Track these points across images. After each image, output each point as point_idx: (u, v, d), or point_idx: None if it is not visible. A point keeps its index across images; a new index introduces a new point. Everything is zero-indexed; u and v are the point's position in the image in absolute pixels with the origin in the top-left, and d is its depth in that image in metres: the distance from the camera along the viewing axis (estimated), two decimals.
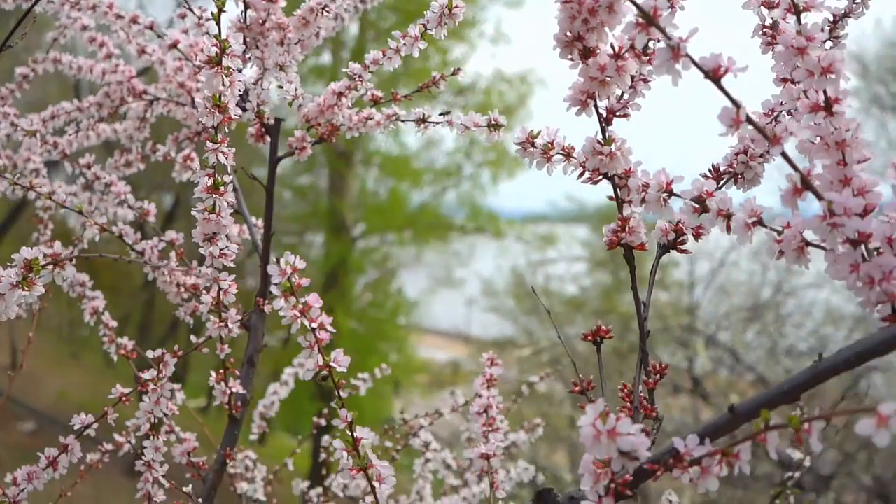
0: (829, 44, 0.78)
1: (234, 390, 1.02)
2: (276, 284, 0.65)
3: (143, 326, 10.10)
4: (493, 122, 0.89)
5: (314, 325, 0.66)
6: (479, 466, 1.00)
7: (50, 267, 0.71)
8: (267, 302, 1.02)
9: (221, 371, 1.01)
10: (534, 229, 11.37)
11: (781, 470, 5.12)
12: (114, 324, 1.15)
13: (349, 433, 0.69)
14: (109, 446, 1.19)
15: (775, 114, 0.74)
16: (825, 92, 0.57)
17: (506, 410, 1.73)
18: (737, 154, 0.73)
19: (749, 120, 0.54)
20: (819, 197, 0.54)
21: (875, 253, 0.56)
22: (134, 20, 1.12)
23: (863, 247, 0.56)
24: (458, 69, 1.06)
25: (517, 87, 10.66)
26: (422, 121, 0.99)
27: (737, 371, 6.74)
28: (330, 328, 0.67)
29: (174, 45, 1.07)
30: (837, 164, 0.57)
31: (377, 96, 1.04)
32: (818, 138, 0.58)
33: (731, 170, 0.73)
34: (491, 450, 0.98)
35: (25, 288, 0.71)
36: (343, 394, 0.70)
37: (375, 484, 0.69)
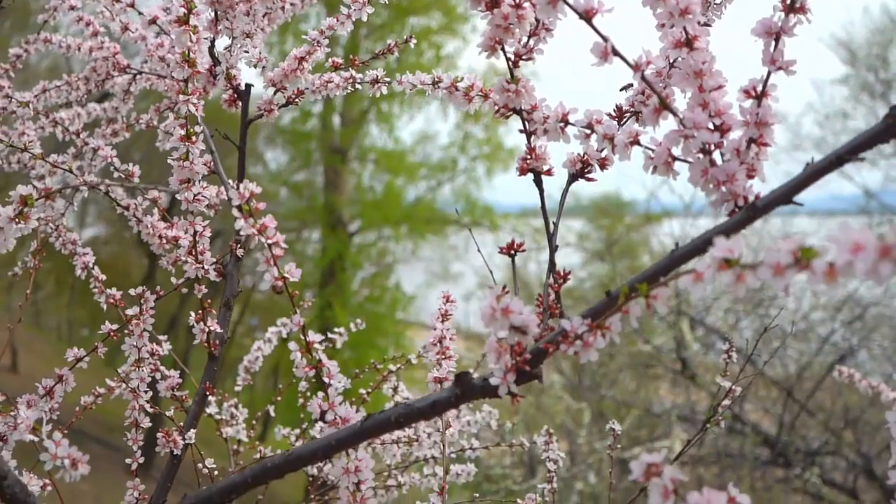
0: None
1: (212, 329, 1.13)
2: (235, 207, 0.76)
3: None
4: (436, 79, 1.00)
5: (270, 241, 0.78)
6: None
7: (42, 200, 0.82)
8: (240, 247, 1.13)
9: (200, 311, 1.12)
10: (529, 222, 11.47)
11: (769, 449, 5.22)
12: (103, 277, 1.26)
13: (302, 337, 0.80)
14: (102, 389, 1.31)
15: (670, 59, 0.85)
16: (685, 30, 0.68)
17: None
18: (637, 95, 0.84)
19: (615, 52, 0.65)
20: (674, 114, 0.66)
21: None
22: None
23: (718, 156, 0.67)
24: (411, 37, 1.17)
25: None
26: (375, 81, 1.10)
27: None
28: (283, 244, 0.78)
29: (153, 21, 1.18)
30: (698, 90, 0.68)
31: (337, 62, 1.16)
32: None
33: (632, 109, 0.84)
34: (443, 374, 1.10)
35: (21, 220, 0.82)
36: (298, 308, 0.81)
37: (326, 379, 0.80)
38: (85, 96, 1.40)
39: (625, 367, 7.16)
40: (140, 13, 1.26)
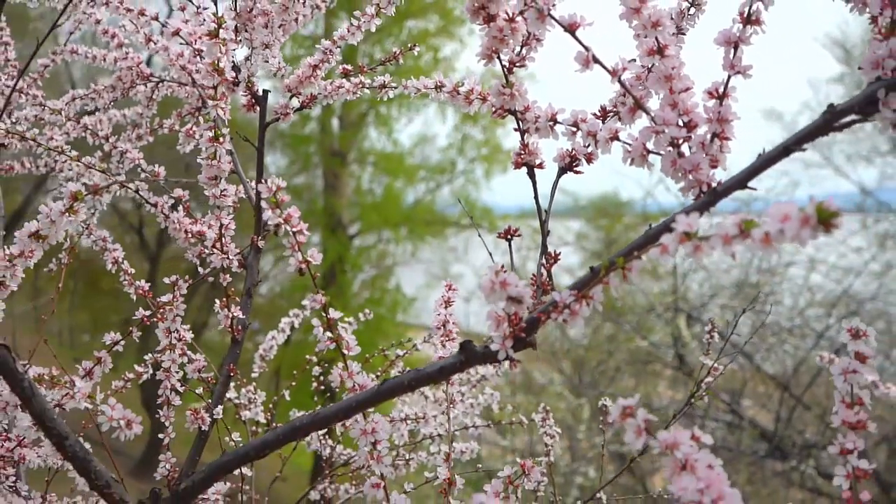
0: (692, 10, 0.99)
1: (235, 315, 1.23)
2: (263, 199, 0.87)
3: (144, 328, 10.33)
4: (438, 84, 1.11)
5: (295, 229, 0.88)
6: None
7: (90, 196, 0.92)
8: (261, 239, 1.23)
9: (225, 299, 1.23)
10: (528, 223, 11.57)
11: (766, 443, 5.31)
12: (132, 270, 1.36)
13: (324, 314, 0.91)
14: (131, 375, 1.41)
15: (648, 67, 0.95)
16: (657, 39, 0.79)
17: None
18: (618, 97, 0.95)
19: (595, 60, 0.75)
20: (647, 113, 0.76)
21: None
22: (142, 12, 1.34)
23: (686, 148, 0.78)
24: (414, 45, 1.28)
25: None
26: (382, 86, 1.21)
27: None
28: (306, 232, 0.88)
29: (176, 33, 1.28)
30: (669, 91, 0.79)
31: (347, 69, 1.26)
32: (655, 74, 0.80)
33: (613, 109, 0.94)
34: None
35: (71, 214, 0.92)
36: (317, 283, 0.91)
37: (345, 351, 0.90)
38: (110, 104, 1.51)
39: (623, 363, 7.26)
40: (164, 25, 1.36)
